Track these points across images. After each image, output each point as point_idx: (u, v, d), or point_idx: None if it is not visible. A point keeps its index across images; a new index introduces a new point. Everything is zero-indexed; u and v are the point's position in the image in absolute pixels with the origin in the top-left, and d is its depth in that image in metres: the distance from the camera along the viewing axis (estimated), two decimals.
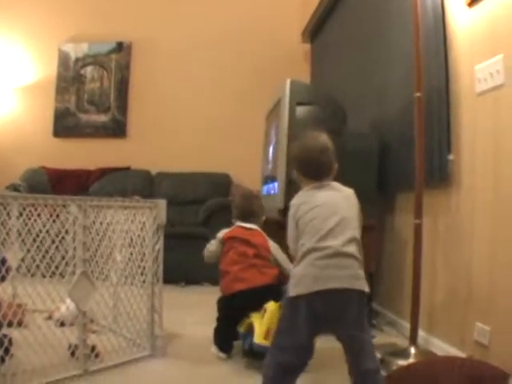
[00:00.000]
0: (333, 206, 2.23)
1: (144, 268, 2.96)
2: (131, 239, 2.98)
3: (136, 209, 2.97)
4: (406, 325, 3.12)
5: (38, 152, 6.63)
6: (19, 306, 2.80)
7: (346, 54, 5.08)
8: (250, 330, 2.75)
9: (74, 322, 2.78)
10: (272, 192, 3.92)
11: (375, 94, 4.19)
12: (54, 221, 2.68)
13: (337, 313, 2.09)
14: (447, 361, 2.46)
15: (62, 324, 3.16)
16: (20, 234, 2.88)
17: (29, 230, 2.81)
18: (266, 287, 2.88)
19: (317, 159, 2.34)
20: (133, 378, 2.63)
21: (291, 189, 3.21)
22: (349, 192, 2.33)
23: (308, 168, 2.35)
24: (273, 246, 3.11)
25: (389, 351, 2.88)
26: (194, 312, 4.04)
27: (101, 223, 2.87)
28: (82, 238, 2.61)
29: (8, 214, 2.74)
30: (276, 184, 3.72)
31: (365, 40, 4.51)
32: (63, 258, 2.63)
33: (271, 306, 2.70)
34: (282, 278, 3.07)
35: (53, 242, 2.61)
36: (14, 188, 5.73)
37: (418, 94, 2.89)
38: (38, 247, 2.61)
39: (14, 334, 2.53)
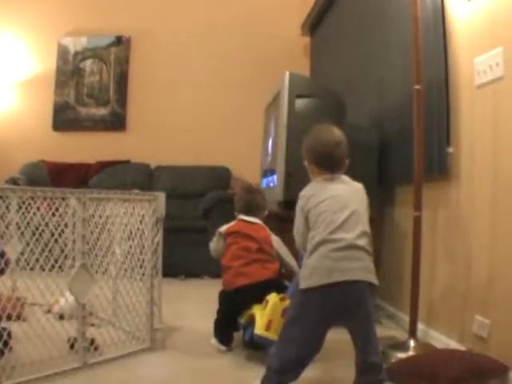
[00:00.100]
0: (344, 199, 2.24)
1: (143, 261, 2.96)
2: (130, 232, 2.98)
3: (135, 202, 2.97)
4: (406, 318, 3.13)
5: (37, 146, 6.62)
6: (18, 299, 2.81)
7: (346, 46, 5.07)
8: (251, 321, 2.75)
9: (74, 314, 2.78)
10: (271, 185, 3.92)
11: (375, 86, 4.18)
12: (53, 214, 2.67)
13: (350, 305, 2.11)
14: (447, 354, 2.46)
15: (62, 317, 3.17)
16: (19, 227, 2.88)
17: (28, 223, 2.81)
18: (267, 282, 2.87)
19: (331, 152, 2.35)
20: (132, 370, 2.63)
21: (290, 181, 3.21)
22: (358, 186, 2.35)
23: (322, 159, 2.36)
24: (275, 240, 3.10)
25: (388, 344, 2.88)
26: (194, 305, 4.05)
27: (100, 216, 2.87)
28: (81, 230, 2.61)
29: (7, 207, 2.74)
30: (275, 177, 3.72)
31: (364, 33, 4.50)
32: (62, 250, 2.63)
33: (273, 298, 2.69)
34: (285, 272, 3.08)
35: (52, 234, 2.61)
36: (14, 181, 5.73)
37: (418, 87, 2.88)
38: (37, 240, 2.61)
39: (13, 327, 2.54)
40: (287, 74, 3.61)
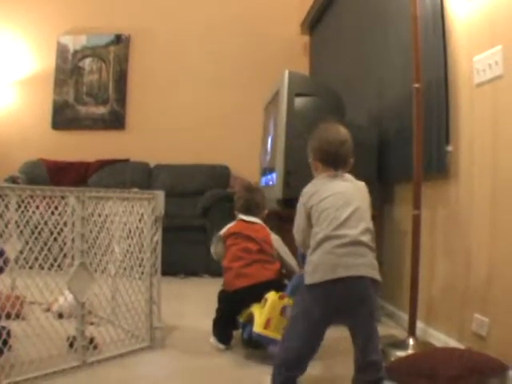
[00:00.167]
0: (347, 195, 2.25)
1: (142, 259, 2.96)
2: (129, 231, 2.98)
3: (134, 200, 2.97)
4: (405, 316, 3.12)
5: (36, 144, 6.62)
6: (17, 297, 2.81)
7: (345, 45, 5.07)
8: (250, 320, 2.75)
9: (73, 313, 2.78)
10: (270, 183, 3.92)
11: (374, 85, 4.18)
12: (52, 212, 2.67)
13: (354, 300, 2.12)
14: (446, 352, 2.46)
15: (61, 316, 3.17)
16: (18, 226, 2.88)
17: (27, 222, 2.81)
18: (268, 283, 2.87)
19: (336, 150, 2.36)
20: (131, 369, 2.63)
21: (290, 180, 3.21)
22: (361, 184, 2.37)
23: (327, 157, 2.37)
24: (275, 239, 3.10)
25: (387, 342, 2.88)
26: (193, 304, 4.05)
27: (99, 215, 2.87)
28: (81, 229, 2.61)
29: (6, 205, 2.74)
30: (274, 175, 3.72)
31: (364, 32, 4.49)
32: (61, 249, 2.63)
33: (272, 296, 2.70)
34: (285, 272, 3.08)
35: (51, 233, 2.61)
36: (13, 180, 5.73)
37: (417, 85, 2.88)
38: (36, 239, 2.61)
39: (13, 325, 2.54)
40: (286, 72, 3.61)
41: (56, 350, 2.55)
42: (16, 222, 3.02)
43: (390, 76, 3.83)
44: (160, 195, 3.01)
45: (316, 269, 2.14)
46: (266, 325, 2.65)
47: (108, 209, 2.93)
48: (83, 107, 6.78)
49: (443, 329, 3.01)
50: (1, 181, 5.66)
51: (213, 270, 5.00)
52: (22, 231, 2.80)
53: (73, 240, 2.65)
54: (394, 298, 3.68)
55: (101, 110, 6.78)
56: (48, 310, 3.23)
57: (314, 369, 2.46)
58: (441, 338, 2.98)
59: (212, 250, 3.22)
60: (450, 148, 2.96)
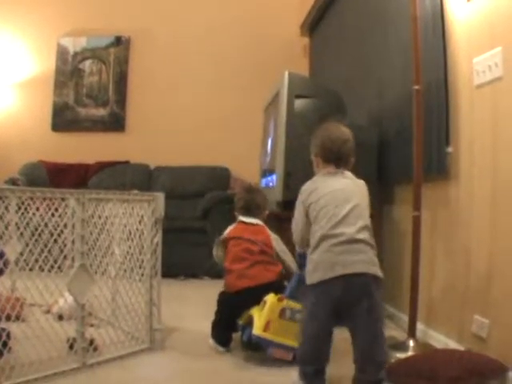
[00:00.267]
0: (346, 193, 2.30)
1: (142, 261, 2.96)
2: (129, 232, 2.98)
3: (134, 202, 2.97)
4: (405, 318, 3.13)
5: (36, 146, 6.62)
6: (17, 299, 2.81)
7: (345, 47, 5.06)
8: (250, 322, 2.75)
9: (73, 315, 2.78)
10: (270, 185, 3.92)
11: (374, 86, 4.18)
12: (52, 214, 2.67)
13: (354, 298, 2.15)
14: (446, 354, 2.46)
15: (61, 317, 3.17)
16: (18, 228, 2.88)
17: (27, 224, 2.81)
18: (269, 285, 2.86)
19: (338, 148, 2.42)
20: (131, 371, 2.63)
21: (290, 181, 3.21)
22: (360, 182, 2.41)
23: (329, 155, 2.42)
24: (273, 239, 3.09)
25: (387, 344, 2.87)
26: (193, 306, 4.05)
27: (99, 216, 2.87)
28: (81, 231, 2.61)
29: (6, 207, 2.74)
30: (274, 176, 3.72)
31: (364, 33, 4.49)
32: (61, 251, 2.63)
33: (271, 299, 2.70)
34: (285, 272, 3.07)
35: (51, 235, 2.61)
36: (13, 182, 5.73)
37: (417, 87, 2.89)
38: (36, 241, 2.61)
39: (13, 327, 2.54)
40: (286, 74, 3.61)
41: (56, 352, 2.55)
42: (16, 223, 3.02)
43: (389, 77, 3.83)
44: (160, 197, 3.01)
45: (316, 268, 2.18)
46: (266, 327, 2.65)
47: (108, 211, 2.93)
48: (83, 109, 6.78)
49: (443, 330, 3.01)
50: (1, 183, 5.66)
51: (213, 271, 5.00)
52: (22, 233, 2.80)
53: (73, 242, 2.65)
54: (393, 299, 3.68)
55: (101, 112, 6.78)
56: (48, 311, 3.23)
57: None
58: (441, 340, 2.98)
59: (214, 253, 3.22)
60: (450, 149, 2.96)
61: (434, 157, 3.03)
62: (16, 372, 2.32)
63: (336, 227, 2.18)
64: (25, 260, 2.54)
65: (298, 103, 3.57)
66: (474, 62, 2.72)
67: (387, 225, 3.88)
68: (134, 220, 2.97)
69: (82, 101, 6.78)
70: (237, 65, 6.70)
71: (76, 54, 6.78)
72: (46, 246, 2.57)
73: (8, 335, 2.49)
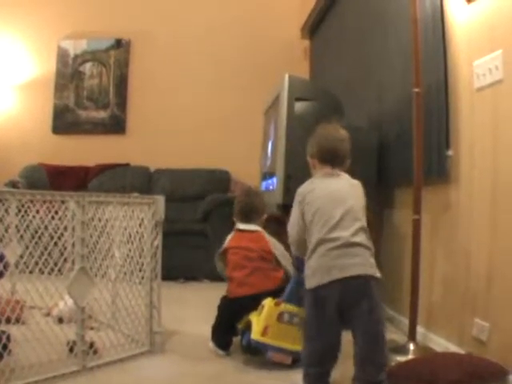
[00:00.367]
0: (341, 194, 2.31)
1: (142, 264, 2.96)
2: (130, 235, 2.98)
3: (134, 205, 2.97)
4: (405, 321, 3.12)
5: (36, 149, 6.62)
6: (17, 302, 2.80)
7: (346, 49, 5.07)
8: (249, 327, 2.75)
9: (73, 318, 2.78)
10: (271, 188, 3.92)
11: (374, 89, 4.18)
12: (52, 217, 2.67)
13: (354, 300, 2.15)
14: (446, 357, 2.46)
15: (61, 320, 3.16)
16: (18, 230, 2.88)
17: (27, 226, 2.81)
18: (269, 293, 2.84)
19: (334, 147, 2.43)
20: (131, 374, 2.63)
21: (290, 184, 3.21)
22: (355, 182, 2.41)
23: (325, 153, 2.43)
24: (271, 243, 3.09)
25: (388, 347, 2.87)
26: (193, 308, 4.04)
27: (99, 219, 2.87)
28: (81, 234, 2.61)
29: (6, 210, 2.74)
30: (275, 179, 3.72)
31: (364, 36, 4.50)
32: (61, 254, 2.63)
33: (268, 303, 2.71)
34: (286, 277, 3.07)
35: (51, 238, 2.61)
36: (13, 185, 5.73)
37: (417, 90, 2.89)
38: (36, 243, 2.61)
39: (13, 330, 2.54)
40: (286, 76, 3.61)
41: (56, 355, 2.55)
42: (16, 226, 3.02)
43: (390, 80, 3.83)
44: (160, 200, 3.01)
45: (314, 273, 2.19)
46: (264, 332, 2.66)
47: (108, 213, 2.93)
48: (84, 111, 6.78)
49: (443, 333, 3.01)
50: (1, 185, 5.66)
51: (213, 274, 4.99)
52: (22, 236, 2.80)
53: (73, 245, 2.65)
54: (394, 302, 3.68)
55: (101, 115, 6.78)
56: (48, 314, 3.22)
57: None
58: (441, 343, 2.97)
59: (216, 265, 3.22)
60: (450, 152, 2.96)
61: (434, 160, 3.03)
62: (16, 375, 2.32)
63: (332, 231, 2.18)
64: (25, 263, 2.54)
65: (299, 106, 3.57)
66: (474, 65, 2.72)
67: (387, 228, 3.88)
68: (134, 223, 2.97)
69: (83, 103, 6.79)
70: (237, 67, 6.70)
71: (76, 56, 6.79)
72: (46, 248, 2.57)
73: (8, 338, 2.49)
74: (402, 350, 2.86)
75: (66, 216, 2.71)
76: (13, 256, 2.94)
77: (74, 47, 6.78)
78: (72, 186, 5.95)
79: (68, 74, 6.78)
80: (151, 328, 2.97)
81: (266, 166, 4.42)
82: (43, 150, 6.62)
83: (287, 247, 2.71)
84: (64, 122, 6.76)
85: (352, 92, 4.65)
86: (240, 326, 2.88)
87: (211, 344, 2.99)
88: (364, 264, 2.18)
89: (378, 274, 2.20)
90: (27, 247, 2.60)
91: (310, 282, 2.20)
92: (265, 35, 6.67)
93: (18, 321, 2.58)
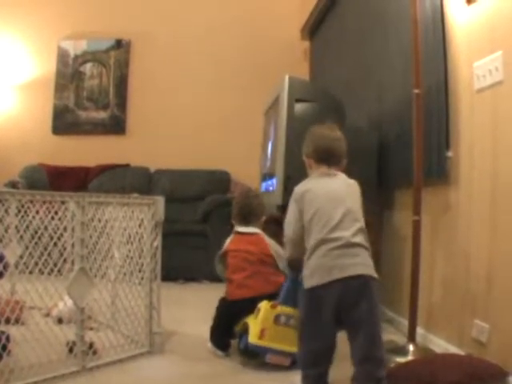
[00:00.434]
0: (340, 194, 2.32)
1: (142, 265, 2.96)
2: (129, 236, 2.98)
3: (134, 206, 2.97)
4: (405, 322, 3.12)
5: (36, 149, 6.62)
6: (17, 302, 2.80)
7: (346, 50, 5.07)
8: (246, 330, 2.76)
9: (72, 318, 2.78)
10: (270, 188, 3.92)
11: (374, 90, 4.18)
12: (52, 217, 2.67)
13: (353, 299, 2.16)
14: (446, 358, 2.46)
15: (60, 321, 3.16)
16: (18, 231, 2.87)
17: (27, 227, 2.81)
18: (268, 297, 2.83)
19: (329, 145, 2.45)
20: (131, 374, 2.63)
21: (289, 185, 3.22)
22: (352, 182, 2.43)
23: (321, 152, 2.45)
24: (270, 245, 3.08)
25: (387, 348, 2.86)
26: (193, 309, 4.04)
27: (99, 220, 2.87)
28: (80, 234, 2.60)
29: (6, 210, 2.73)
30: (274, 180, 3.71)
31: (364, 37, 4.50)
32: (61, 254, 2.63)
33: (264, 306, 2.72)
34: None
35: (51, 238, 2.61)
36: (13, 185, 5.73)
37: (417, 91, 2.89)
38: (36, 244, 2.61)
39: (12, 330, 2.54)
40: (286, 78, 3.61)
41: (55, 355, 2.55)
42: (16, 226, 3.01)
43: (390, 81, 3.83)
44: (160, 201, 3.01)
45: (313, 273, 2.19)
46: (261, 335, 2.68)
47: (108, 214, 2.93)
48: (84, 112, 6.78)
49: (443, 335, 3.01)
50: (1, 185, 5.66)
51: (212, 275, 4.99)
52: (21, 236, 2.79)
53: (73, 245, 2.65)
54: (393, 303, 3.68)
55: (101, 115, 6.78)
56: (47, 314, 3.22)
57: None
58: (441, 344, 2.97)
59: (216, 268, 3.21)
60: (450, 153, 2.96)
61: (434, 161, 3.03)
62: (15, 375, 2.32)
63: (333, 231, 2.19)
64: (24, 263, 2.54)
65: (299, 107, 3.57)
66: (474, 66, 2.72)
67: (387, 229, 3.88)
68: (133, 223, 2.97)
69: (83, 104, 6.79)
70: (237, 68, 6.70)
71: (76, 56, 6.79)
72: (45, 249, 2.57)
73: (7, 338, 2.49)
74: (402, 351, 2.86)
75: (65, 216, 2.71)
76: (12, 256, 2.94)
77: (74, 47, 6.78)
78: (72, 187, 5.95)
79: (68, 74, 6.78)
80: (151, 329, 2.96)
81: (265, 166, 4.41)
82: (43, 150, 6.62)
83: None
84: (64, 123, 6.76)
85: (352, 93, 4.65)
86: (237, 328, 2.88)
87: (210, 345, 2.99)
88: (364, 264, 2.20)
89: (375, 274, 2.21)
90: (27, 247, 2.59)
91: (309, 281, 2.20)
92: (265, 36, 6.67)
93: (17, 321, 2.58)
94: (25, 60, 6.77)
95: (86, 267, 2.61)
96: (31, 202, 2.89)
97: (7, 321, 2.49)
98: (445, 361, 2.36)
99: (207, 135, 6.63)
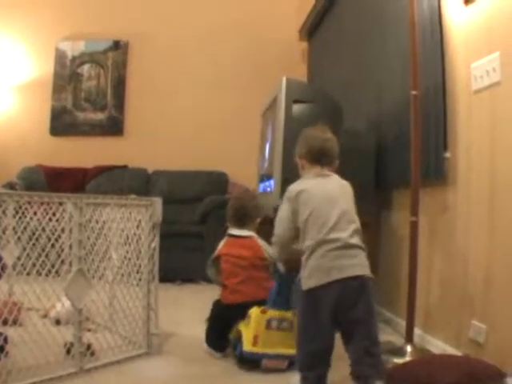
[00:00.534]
0: (333, 195, 2.34)
1: (140, 266, 2.96)
2: (127, 237, 2.98)
3: (132, 207, 2.97)
4: (402, 323, 3.12)
5: (34, 150, 6.61)
6: (15, 303, 2.80)
7: (344, 51, 5.07)
8: (239, 338, 2.76)
9: (70, 319, 2.77)
10: (268, 190, 3.92)
11: (372, 91, 4.19)
12: (49, 219, 2.67)
13: (352, 300, 2.18)
14: (443, 359, 2.46)
15: (58, 322, 3.17)
16: (16, 232, 2.87)
17: (25, 228, 2.81)
18: (260, 302, 2.83)
19: (321, 145, 2.47)
20: (128, 375, 2.62)
21: (287, 186, 3.22)
22: (345, 183, 2.45)
23: (313, 152, 2.47)
24: (266, 250, 3.06)
25: (385, 349, 2.86)
26: (191, 310, 4.04)
27: (97, 221, 2.87)
28: (78, 235, 2.60)
29: (4, 211, 2.74)
30: (272, 182, 3.71)
31: (362, 38, 4.50)
32: (59, 255, 2.63)
33: (255, 312, 2.73)
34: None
35: (49, 239, 2.60)
36: (11, 186, 5.73)
37: (415, 92, 2.89)
38: (33, 245, 2.61)
39: (10, 331, 2.53)
40: (284, 79, 3.60)
41: (53, 357, 2.54)
42: (14, 228, 3.02)
43: (388, 82, 3.83)
44: (158, 202, 3.01)
45: (311, 274, 2.21)
46: (254, 342, 2.68)
47: (106, 215, 2.93)
48: (81, 113, 6.78)
49: (441, 335, 3.01)
50: None
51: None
52: (19, 237, 2.80)
53: (70, 246, 2.65)
54: (391, 304, 3.68)
55: (99, 116, 6.78)
56: (45, 316, 3.22)
57: None
58: (438, 345, 2.97)
59: (207, 271, 3.19)
60: (447, 154, 2.97)
61: (432, 162, 3.03)
62: (13, 376, 2.32)
63: (331, 232, 2.21)
64: (22, 264, 2.54)
65: (296, 108, 3.57)
66: (471, 67, 2.73)
67: (385, 230, 3.88)
68: (131, 225, 2.97)
69: (81, 105, 6.78)
70: (235, 70, 6.70)
71: (74, 58, 6.78)
72: (43, 250, 2.57)
73: (5, 339, 2.49)
74: (400, 352, 2.86)
75: (63, 218, 2.71)
76: (10, 258, 2.94)
77: (72, 49, 6.78)
78: (70, 188, 5.94)
79: (66, 75, 6.78)
80: (148, 330, 2.96)
81: (263, 168, 4.41)
82: (41, 151, 6.61)
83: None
84: (62, 124, 6.75)
85: (350, 94, 4.66)
86: (231, 336, 2.87)
87: (206, 345, 2.99)
88: (362, 265, 2.22)
89: (371, 274, 2.24)
90: (25, 249, 2.59)
91: (307, 283, 2.21)
92: (262, 37, 6.67)
93: (15, 322, 2.57)
94: (23, 61, 6.76)
95: (83, 268, 2.60)
96: (29, 203, 2.89)
97: (5, 322, 2.48)
98: (442, 362, 2.36)
99: (205, 136, 6.63)
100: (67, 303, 2.73)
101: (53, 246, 2.61)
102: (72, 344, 2.62)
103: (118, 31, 6.76)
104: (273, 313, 2.71)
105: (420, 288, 2.96)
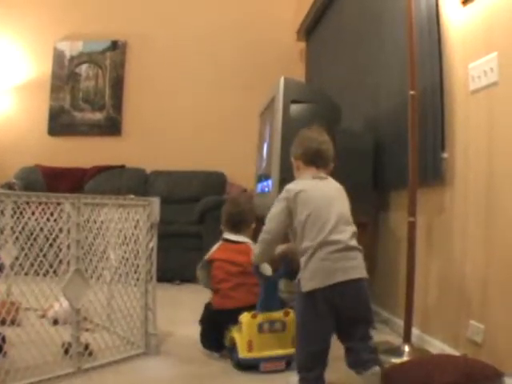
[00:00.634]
0: (330, 197, 2.35)
1: (138, 266, 2.96)
2: (125, 237, 2.97)
3: (130, 207, 2.97)
4: (400, 323, 3.12)
5: (32, 150, 6.61)
6: (13, 304, 2.80)
7: (342, 52, 5.07)
8: (234, 344, 2.76)
9: (68, 319, 2.77)
10: (266, 190, 3.92)
11: (370, 92, 4.18)
12: (47, 219, 2.67)
13: (352, 301, 2.22)
14: (441, 359, 2.46)
15: (56, 322, 3.16)
16: (14, 232, 2.87)
17: (22, 228, 2.81)
18: (251, 307, 2.81)
19: (317, 147, 2.48)
20: (126, 376, 2.62)
21: (284, 186, 3.22)
22: (339, 186, 2.47)
23: (309, 153, 2.49)
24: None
25: (382, 349, 2.87)
26: (188, 310, 4.02)
27: (95, 221, 2.87)
28: (76, 235, 2.60)
29: (2, 211, 2.74)
30: (270, 182, 3.71)
31: (360, 38, 4.50)
32: (57, 255, 2.63)
33: (245, 318, 2.73)
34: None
35: (46, 239, 2.60)
36: (9, 186, 5.72)
37: (412, 92, 2.89)
38: (31, 245, 2.61)
39: (8, 331, 2.54)
40: (282, 79, 3.60)
41: (51, 357, 2.54)
42: (11, 228, 3.01)
43: (385, 82, 3.83)
44: (155, 202, 3.01)
45: (313, 275, 2.21)
46: (249, 347, 2.69)
47: (104, 215, 2.93)
48: (79, 113, 6.78)
49: (439, 335, 3.01)
50: None
51: None
52: (17, 237, 2.79)
53: (68, 246, 2.65)
54: (389, 304, 3.68)
55: (97, 116, 6.78)
56: (43, 316, 3.21)
57: None
58: (436, 345, 2.97)
59: (197, 273, 3.17)
60: (445, 155, 2.97)
61: (430, 162, 3.03)
62: (11, 376, 2.32)
63: (331, 234, 2.23)
64: (20, 264, 2.54)
65: (294, 108, 3.57)
66: (469, 68, 2.73)
67: (383, 230, 3.88)
68: (129, 225, 2.97)
69: (79, 105, 6.78)
70: (233, 70, 6.70)
71: (72, 58, 6.79)
72: (41, 250, 2.57)
73: (3, 339, 2.50)
74: (397, 352, 2.86)
75: (61, 218, 2.71)
76: (8, 258, 2.94)
77: (70, 49, 6.78)
78: (68, 188, 5.94)
79: (64, 75, 6.78)
80: (146, 330, 2.96)
81: (261, 168, 4.41)
82: (39, 151, 6.61)
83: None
84: (60, 124, 6.75)
85: (348, 94, 4.66)
86: (226, 343, 2.87)
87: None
88: (361, 267, 2.26)
89: (367, 276, 2.28)
90: (22, 249, 2.60)
91: (309, 284, 2.21)
92: (261, 38, 6.67)
93: (13, 322, 2.57)
94: (21, 61, 6.76)
95: (81, 268, 2.60)
96: (27, 203, 2.89)
97: (3, 322, 2.48)
98: (440, 361, 2.36)
99: (203, 137, 6.63)
100: (65, 303, 2.73)
101: (51, 246, 2.61)
102: (70, 344, 2.62)
103: (116, 31, 6.76)
104: (263, 316, 2.71)
105: (418, 288, 2.96)
